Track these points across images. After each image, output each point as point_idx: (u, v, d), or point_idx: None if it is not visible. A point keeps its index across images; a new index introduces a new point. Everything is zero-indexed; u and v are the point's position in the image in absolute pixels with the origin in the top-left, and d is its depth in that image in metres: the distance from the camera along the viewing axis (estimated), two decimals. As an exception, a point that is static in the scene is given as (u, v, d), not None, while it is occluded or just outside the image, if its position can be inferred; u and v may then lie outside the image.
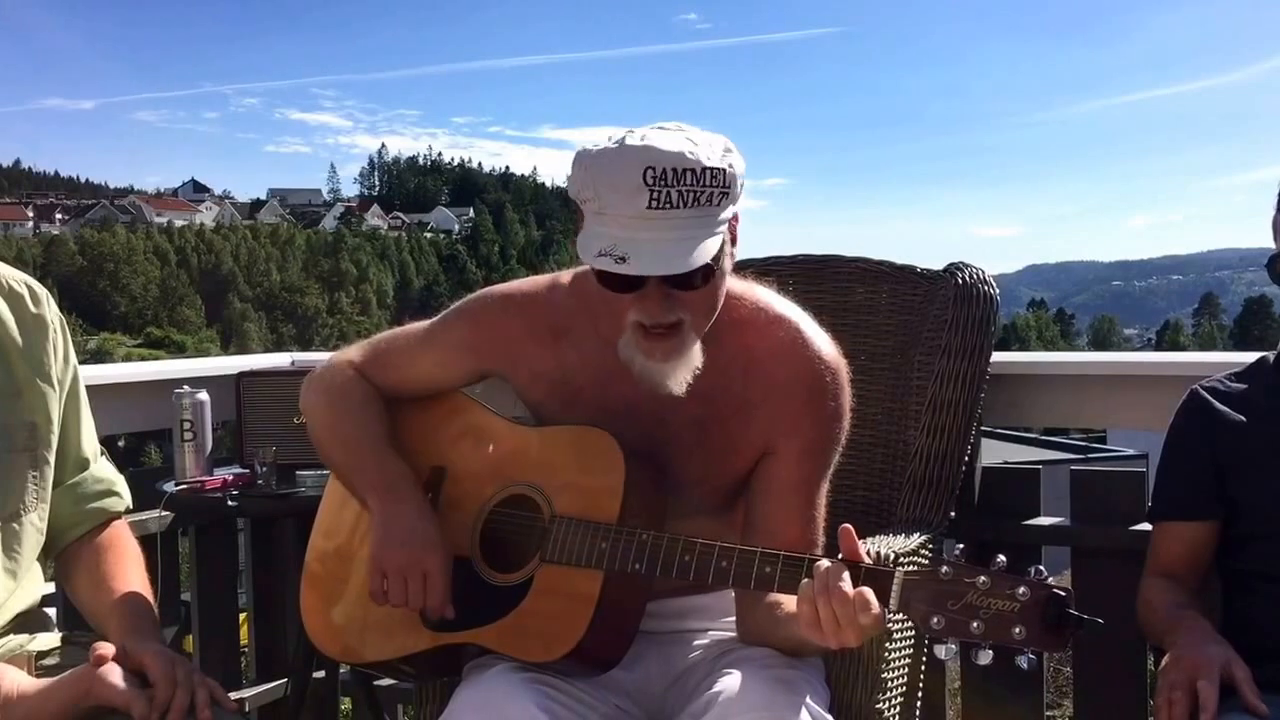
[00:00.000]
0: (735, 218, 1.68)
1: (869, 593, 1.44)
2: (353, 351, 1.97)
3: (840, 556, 1.50)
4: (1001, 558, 1.41)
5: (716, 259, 1.62)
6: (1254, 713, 1.63)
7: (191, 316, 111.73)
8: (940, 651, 1.42)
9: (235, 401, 2.88)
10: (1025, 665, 1.37)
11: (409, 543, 1.73)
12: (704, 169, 1.57)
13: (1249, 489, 1.89)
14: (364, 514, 1.90)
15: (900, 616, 1.46)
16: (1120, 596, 2.08)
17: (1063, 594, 1.36)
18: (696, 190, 1.57)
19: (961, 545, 1.48)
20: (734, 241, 1.69)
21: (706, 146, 1.60)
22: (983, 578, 1.39)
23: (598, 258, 1.58)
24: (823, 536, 1.77)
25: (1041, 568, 1.39)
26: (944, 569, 1.41)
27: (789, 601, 1.61)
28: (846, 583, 1.45)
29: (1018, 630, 1.36)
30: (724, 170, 1.60)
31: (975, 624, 1.38)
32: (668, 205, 1.56)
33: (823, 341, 1.80)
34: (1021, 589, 1.37)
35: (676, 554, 1.63)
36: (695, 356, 1.68)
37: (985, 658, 1.38)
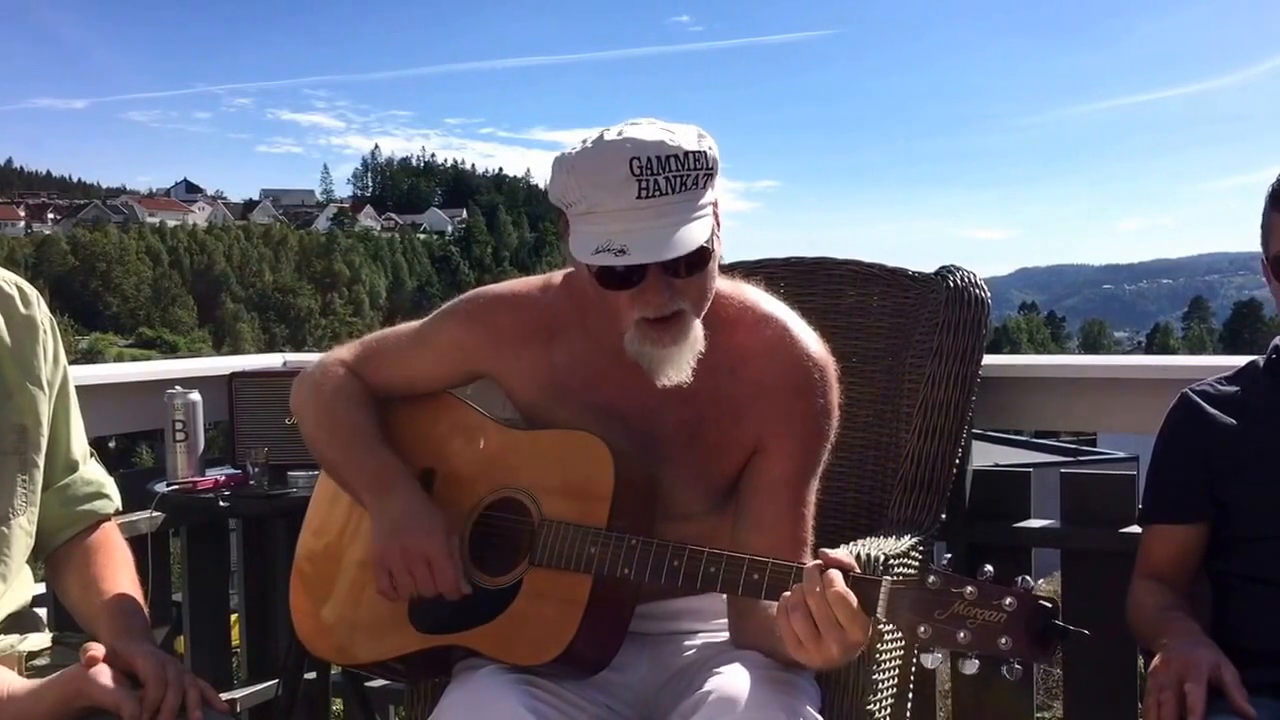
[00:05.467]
0: (715, 204, 1.69)
1: (841, 585, 1.43)
2: (343, 351, 1.97)
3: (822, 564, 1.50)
4: (989, 567, 1.41)
5: (709, 241, 1.64)
6: (1242, 715, 1.63)
7: (184, 317, 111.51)
8: (927, 661, 1.42)
9: (227, 402, 2.88)
10: (1011, 675, 1.38)
11: (405, 531, 1.72)
12: (686, 153, 1.60)
13: (1239, 492, 1.89)
14: (353, 513, 1.90)
15: (887, 624, 1.46)
16: (1110, 598, 2.09)
17: (1049, 605, 1.37)
18: (682, 174, 1.60)
19: (950, 555, 1.48)
20: (718, 225, 1.71)
21: (682, 133, 1.63)
22: (970, 588, 1.39)
23: (595, 254, 1.59)
24: (812, 535, 1.77)
25: (1028, 578, 1.39)
26: (931, 578, 1.41)
27: None
28: (822, 586, 1.44)
29: (1004, 641, 1.36)
30: (704, 153, 1.63)
31: (962, 634, 1.38)
32: (657, 193, 1.58)
33: (810, 339, 1.81)
34: (1008, 600, 1.37)
35: (665, 559, 1.64)
36: (699, 341, 1.69)
37: (971, 667, 1.38)
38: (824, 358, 1.80)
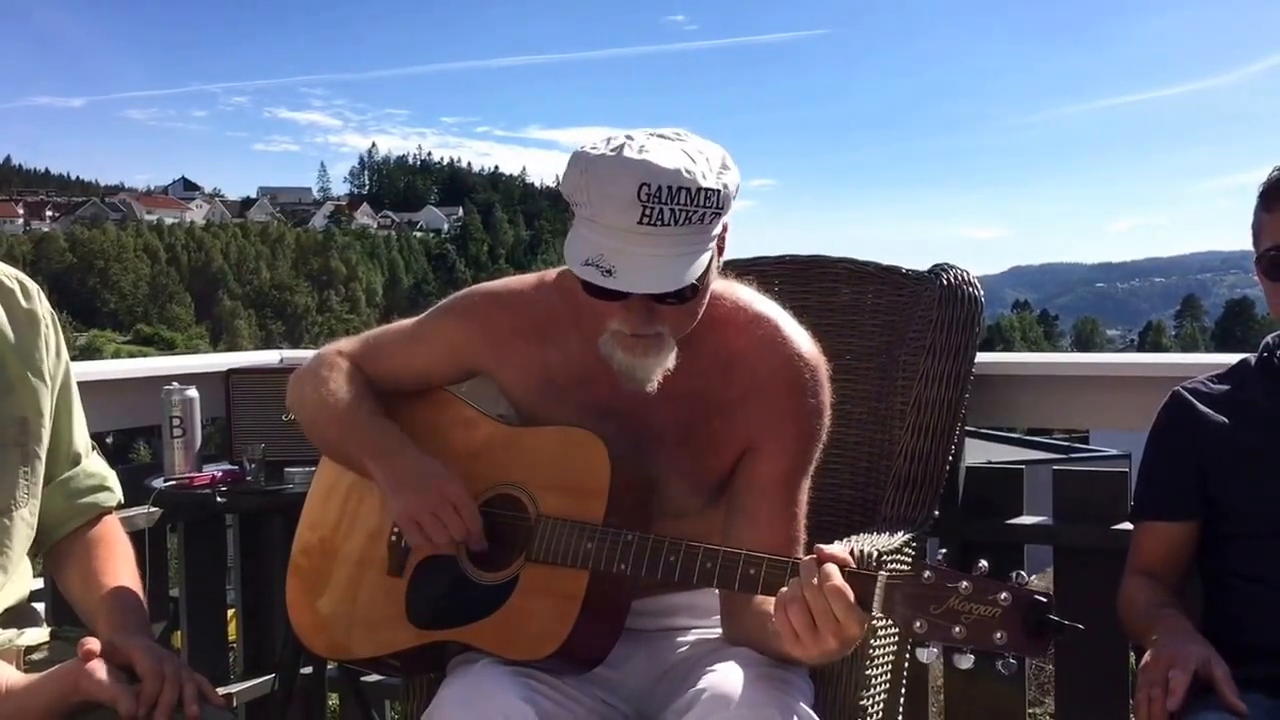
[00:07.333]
0: (725, 228, 1.68)
1: (838, 579, 1.44)
2: (341, 344, 1.98)
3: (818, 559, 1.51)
4: (984, 563, 1.42)
5: (703, 275, 1.63)
6: (1233, 711, 1.64)
7: (181, 314, 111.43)
8: (923, 655, 1.43)
9: (224, 398, 2.88)
10: (1006, 670, 1.39)
11: (423, 484, 1.74)
12: (699, 189, 1.56)
13: (1230, 489, 1.90)
14: (348, 508, 1.91)
15: (883, 619, 1.47)
16: (1102, 595, 2.10)
17: (1044, 600, 1.37)
18: (690, 210, 1.56)
19: (944, 550, 1.48)
20: (721, 251, 1.70)
21: (704, 163, 1.59)
22: (965, 583, 1.39)
23: (584, 266, 1.58)
24: (804, 534, 1.78)
25: (1023, 572, 1.40)
26: (926, 573, 1.42)
27: None
28: (819, 579, 1.45)
29: (999, 635, 1.37)
30: (718, 191, 1.59)
31: (957, 629, 1.38)
32: (659, 222, 1.55)
33: (801, 338, 1.81)
34: (1003, 595, 1.37)
35: (661, 555, 1.64)
36: (670, 358, 1.69)
37: (966, 662, 1.39)
38: (815, 357, 1.81)
